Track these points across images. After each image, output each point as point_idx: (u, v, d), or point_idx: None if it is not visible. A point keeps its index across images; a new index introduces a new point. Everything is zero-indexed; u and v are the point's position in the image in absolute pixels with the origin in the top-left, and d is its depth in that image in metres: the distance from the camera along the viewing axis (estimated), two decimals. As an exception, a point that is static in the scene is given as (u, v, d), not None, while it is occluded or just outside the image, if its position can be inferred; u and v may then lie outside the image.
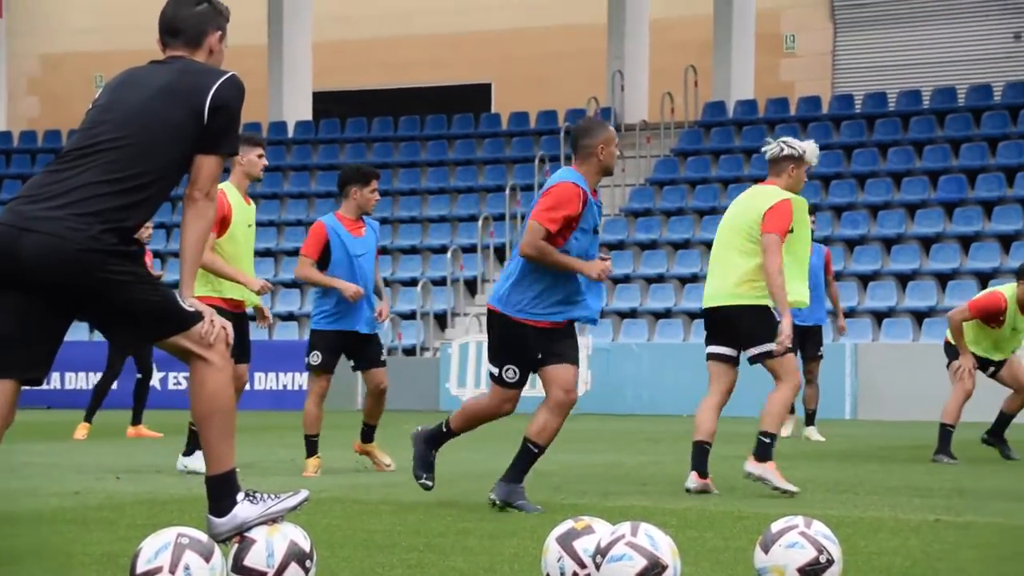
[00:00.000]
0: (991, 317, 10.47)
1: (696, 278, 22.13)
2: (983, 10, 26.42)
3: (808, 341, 13.52)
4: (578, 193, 6.90)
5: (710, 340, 8.12)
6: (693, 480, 7.94)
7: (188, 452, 9.25)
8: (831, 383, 18.45)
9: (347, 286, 8.86)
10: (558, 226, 6.85)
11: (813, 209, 22.26)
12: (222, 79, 4.62)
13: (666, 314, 21.62)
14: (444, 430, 7.22)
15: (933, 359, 19.01)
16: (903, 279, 20.87)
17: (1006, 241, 20.85)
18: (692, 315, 21.52)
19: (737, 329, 7.92)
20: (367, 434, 9.40)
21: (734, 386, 8.12)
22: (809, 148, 7.98)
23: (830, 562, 4.50)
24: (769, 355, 7.81)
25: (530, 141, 25.92)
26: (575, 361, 7.26)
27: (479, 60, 29.87)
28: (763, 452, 7.88)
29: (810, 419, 13.71)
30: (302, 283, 9.28)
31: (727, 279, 7.96)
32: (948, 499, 7.60)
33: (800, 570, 4.47)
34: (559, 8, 29.18)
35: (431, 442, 7.23)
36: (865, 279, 21.12)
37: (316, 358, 9.07)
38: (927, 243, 21.31)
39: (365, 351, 9.13)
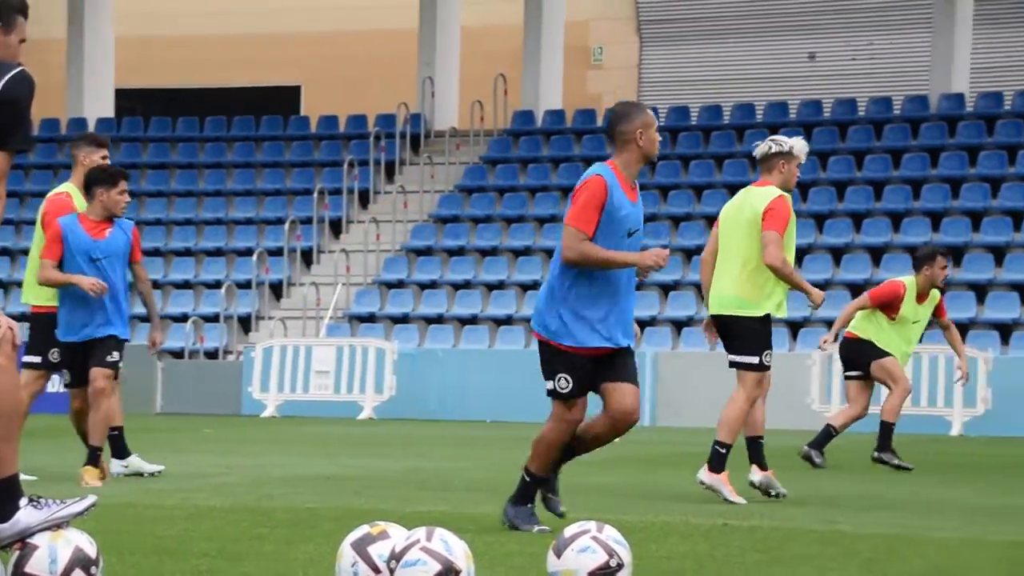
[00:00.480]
0: (888, 305, 10.64)
1: (503, 285, 22.32)
2: (781, 30, 27.27)
3: None
4: (604, 186, 6.41)
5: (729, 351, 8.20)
6: (755, 472, 8.07)
7: (119, 455, 8.97)
8: (632, 390, 18.80)
9: (82, 279, 8.42)
10: (595, 225, 6.37)
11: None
12: (10, 73, 4.49)
13: (472, 320, 21.74)
14: (527, 480, 6.53)
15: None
16: (701, 289, 21.36)
17: (798, 255, 21.55)
18: (498, 321, 21.69)
19: (729, 336, 8.04)
20: (91, 454, 8.58)
21: (769, 385, 8.18)
22: (797, 143, 8.14)
23: (620, 566, 4.58)
24: (746, 366, 7.97)
25: (339, 145, 25.79)
26: (634, 380, 6.50)
27: (289, 62, 29.59)
28: (717, 462, 7.96)
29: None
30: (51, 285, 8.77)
31: (724, 287, 8.07)
32: (736, 504, 7.81)
33: (591, 574, 4.55)
34: (370, 13, 29.10)
35: (522, 499, 6.52)
36: (666, 289, 21.59)
37: (66, 376, 8.79)
38: (726, 255, 21.85)
39: (94, 350, 8.56)
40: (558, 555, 4.62)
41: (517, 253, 22.85)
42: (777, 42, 27.17)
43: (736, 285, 8.00)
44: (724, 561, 5.45)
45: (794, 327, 20.38)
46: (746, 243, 8.00)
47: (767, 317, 7.99)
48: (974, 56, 23.81)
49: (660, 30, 28.23)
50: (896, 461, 10.69)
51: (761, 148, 8.18)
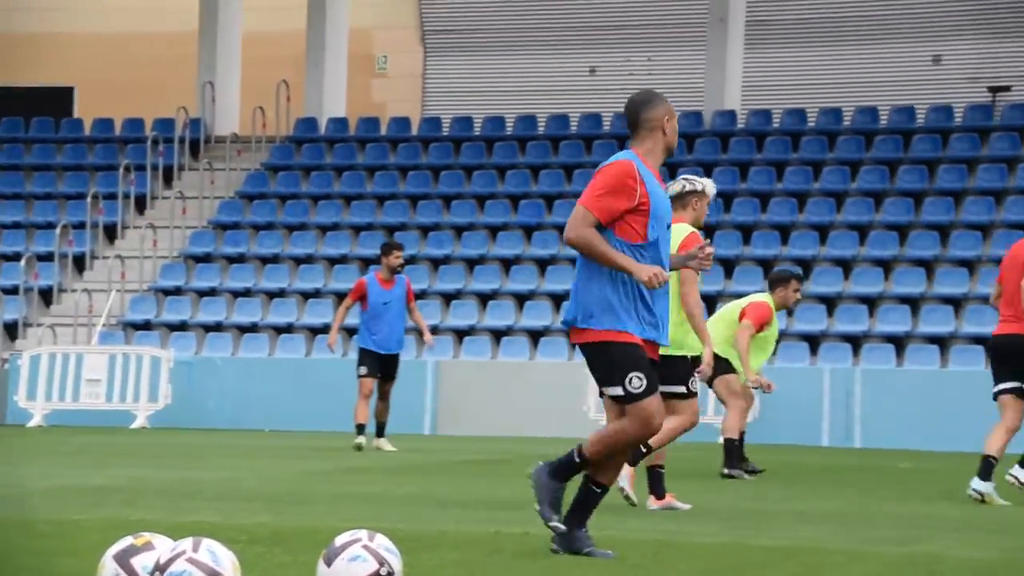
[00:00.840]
0: (764, 326, 10.89)
1: (284, 293, 22.07)
2: (563, 44, 27.71)
3: (388, 367, 14.00)
4: (633, 174, 5.77)
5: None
6: (651, 502, 8.35)
7: None
8: (413, 399, 18.81)
9: None
10: (609, 215, 5.72)
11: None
12: None
13: (252, 328, 21.46)
14: (577, 460, 5.87)
15: (511, 376, 19.79)
16: (484, 298, 21.57)
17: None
18: (278, 329, 21.44)
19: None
20: None
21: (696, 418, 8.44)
22: (708, 183, 8.53)
23: (390, 574, 4.58)
24: (675, 395, 8.19)
25: (115, 148, 25.15)
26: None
27: (61, 62, 28.70)
28: (656, 486, 8.30)
29: (380, 431, 14.15)
30: None
31: None
32: (511, 511, 7.88)
33: (361, 583, 4.53)
34: (148, 14, 28.46)
35: (558, 474, 5.90)
36: (448, 297, 21.68)
37: None
38: (508, 264, 22.10)
39: None
40: (328, 564, 4.59)
41: (299, 261, 22.64)
42: (559, 55, 27.60)
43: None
44: (495, 569, 5.50)
45: (498, 334, 20.72)
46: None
47: (680, 357, 8.32)
48: (745, 75, 24.61)
49: (444, 40, 28.37)
50: (750, 468, 11.06)
51: (675, 187, 8.52)
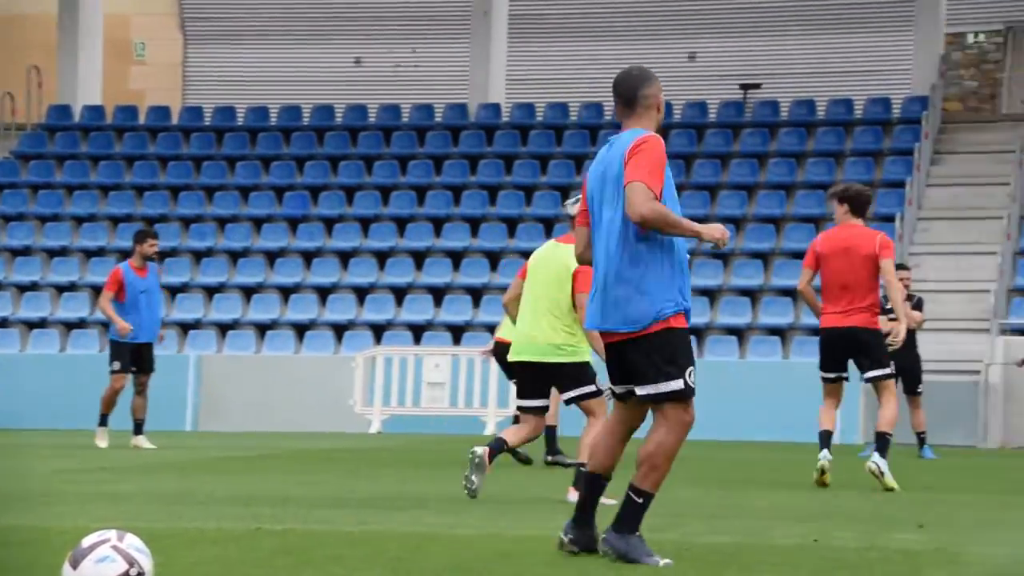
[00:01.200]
0: None
1: (37, 286, 21.33)
2: (326, 34, 27.50)
3: (143, 358, 13.69)
4: (664, 149, 5.59)
5: (527, 395, 8.50)
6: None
7: None
8: (173, 394, 18.40)
9: None
10: (661, 187, 5.49)
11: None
12: None
13: (3, 323, 20.68)
14: (639, 499, 5.53)
15: (276, 370, 19.54)
16: (248, 292, 21.24)
17: (344, 257, 21.79)
18: (31, 324, 20.72)
19: (556, 378, 8.37)
20: None
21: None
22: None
23: (140, 574, 4.45)
24: (585, 396, 8.33)
25: None
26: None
27: None
28: (577, 480, 8.25)
29: (138, 428, 13.81)
30: None
31: (540, 335, 8.34)
32: (272, 507, 7.77)
33: (110, 584, 4.39)
34: None
35: (628, 525, 5.48)
36: (211, 291, 21.28)
37: None
38: (272, 257, 21.81)
39: None
40: (75, 566, 4.44)
41: (52, 253, 21.90)
42: (324, 45, 27.38)
43: (552, 333, 8.33)
44: (253, 565, 5.40)
45: (339, 329, 20.58)
46: (556, 295, 8.41)
47: (583, 362, 8.44)
48: (509, 69, 24.84)
49: (205, 28, 27.82)
50: (569, 460, 11.41)
51: (578, 206, 8.44)
